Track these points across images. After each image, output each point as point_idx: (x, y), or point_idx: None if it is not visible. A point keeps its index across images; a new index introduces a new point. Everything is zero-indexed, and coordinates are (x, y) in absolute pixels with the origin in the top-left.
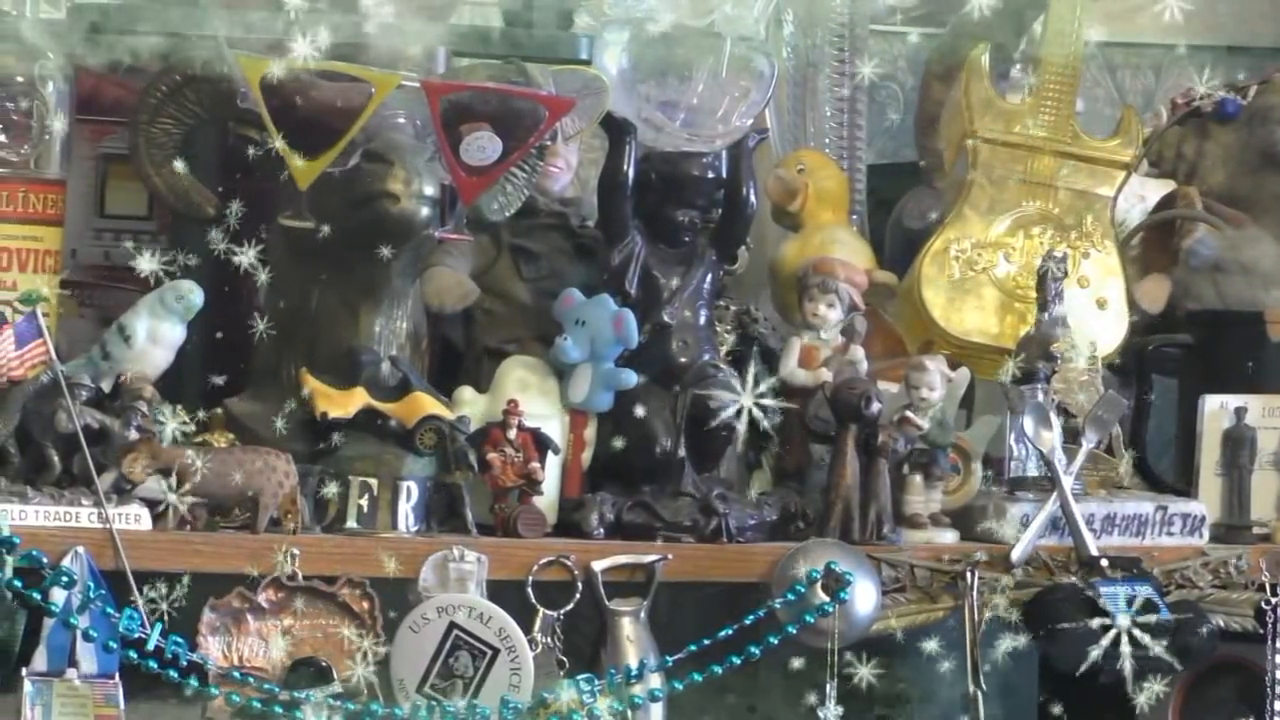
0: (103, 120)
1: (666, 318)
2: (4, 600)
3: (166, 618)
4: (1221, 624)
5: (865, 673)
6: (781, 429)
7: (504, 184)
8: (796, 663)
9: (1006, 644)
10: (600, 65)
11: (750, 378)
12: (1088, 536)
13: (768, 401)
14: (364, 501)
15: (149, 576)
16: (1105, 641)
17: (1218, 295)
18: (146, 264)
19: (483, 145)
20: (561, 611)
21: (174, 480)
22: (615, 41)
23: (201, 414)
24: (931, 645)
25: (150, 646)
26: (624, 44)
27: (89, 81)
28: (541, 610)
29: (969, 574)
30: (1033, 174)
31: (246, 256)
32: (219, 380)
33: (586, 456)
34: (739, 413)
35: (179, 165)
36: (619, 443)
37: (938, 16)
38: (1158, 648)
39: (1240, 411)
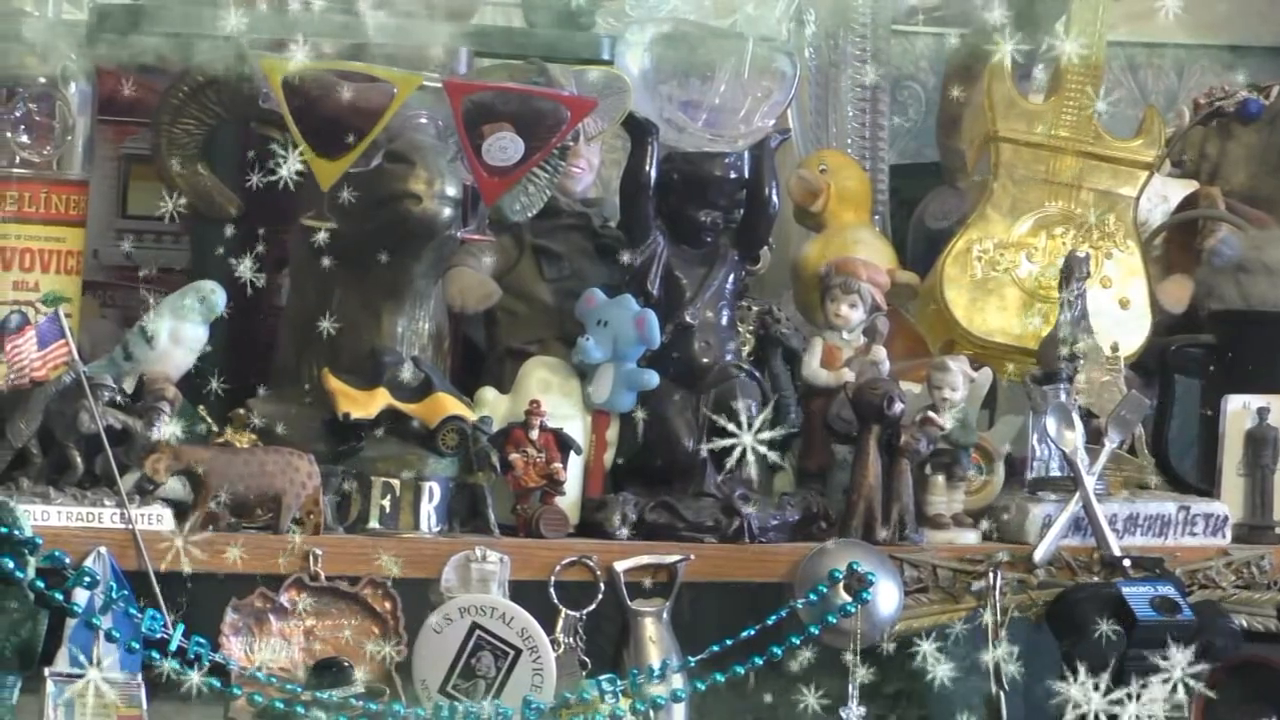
0: (125, 121)
1: (689, 318)
2: (27, 600)
3: (188, 618)
4: (1244, 624)
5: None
6: (804, 430)
7: (526, 184)
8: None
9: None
10: (622, 65)
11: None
12: (1110, 537)
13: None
14: (386, 502)
15: (171, 577)
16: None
17: (1240, 295)
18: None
19: (505, 146)
20: (584, 612)
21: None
22: (637, 42)
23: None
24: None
25: (173, 647)
26: (646, 44)
27: (110, 82)
28: (564, 611)
29: (991, 574)
30: (1055, 174)
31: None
32: (241, 381)
33: (608, 457)
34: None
35: (190, 165)
36: (641, 443)
37: (959, 17)
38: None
39: (1263, 412)
